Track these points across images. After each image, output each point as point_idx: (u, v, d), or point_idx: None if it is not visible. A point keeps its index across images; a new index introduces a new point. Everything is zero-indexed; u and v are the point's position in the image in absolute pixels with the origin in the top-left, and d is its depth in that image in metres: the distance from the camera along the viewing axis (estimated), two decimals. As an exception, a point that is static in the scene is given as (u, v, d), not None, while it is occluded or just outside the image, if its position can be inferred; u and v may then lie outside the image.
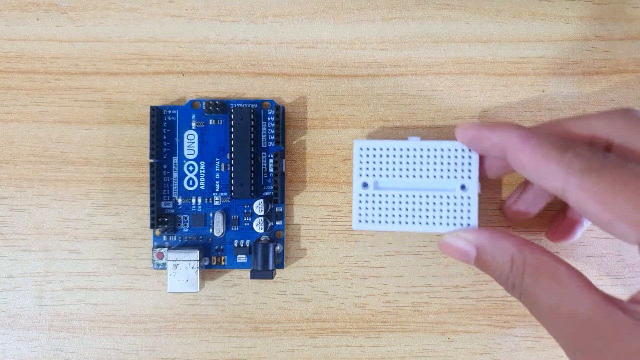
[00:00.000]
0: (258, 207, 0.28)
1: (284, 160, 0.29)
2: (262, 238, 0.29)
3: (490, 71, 0.29)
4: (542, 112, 0.29)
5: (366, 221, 0.26)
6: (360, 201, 0.26)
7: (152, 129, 0.28)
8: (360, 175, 0.26)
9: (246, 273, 0.29)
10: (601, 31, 0.29)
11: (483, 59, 0.29)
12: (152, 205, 0.28)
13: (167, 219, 0.29)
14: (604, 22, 0.29)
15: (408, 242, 0.29)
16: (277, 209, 0.29)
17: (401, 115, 0.29)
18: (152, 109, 0.28)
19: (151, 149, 0.28)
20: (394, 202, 0.26)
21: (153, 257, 0.29)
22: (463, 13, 0.29)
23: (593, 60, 0.29)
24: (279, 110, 0.28)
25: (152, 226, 0.28)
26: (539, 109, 0.29)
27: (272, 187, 0.28)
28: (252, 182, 0.28)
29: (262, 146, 0.29)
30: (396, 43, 0.30)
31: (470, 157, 0.25)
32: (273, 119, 0.29)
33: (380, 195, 0.26)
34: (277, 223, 0.29)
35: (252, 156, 0.28)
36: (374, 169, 0.26)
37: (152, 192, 0.28)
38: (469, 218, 0.25)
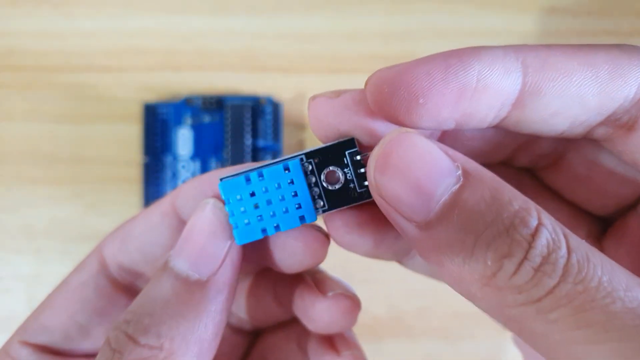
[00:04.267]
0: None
1: (282, 158, 0.29)
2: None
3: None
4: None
5: None
6: None
7: (145, 127, 0.28)
8: None
9: (243, 276, 0.29)
10: (609, 26, 0.29)
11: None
12: (145, 205, 0.28)
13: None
14: (612, 17, 0.29)
15: (411, 244, 0.29)
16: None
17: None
18: (145, 106, 0.28)
19: (144, 147, 0.28)
20: None
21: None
22: (468, 6, 0.29)
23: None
24: (277, 107, 0.28)
25: (146, 227, 0.28)
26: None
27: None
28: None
29: (260, 144, 0.29)
30: (399, 36, 0.29)
31: None
32: (270, 116, 0.28)
33: None
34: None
35: (249, 154, 0.28)
36: None
37: (145, 191, 0.28)
38: None
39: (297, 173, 0.13)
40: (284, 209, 0.13)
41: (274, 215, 0.13)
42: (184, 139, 0.29)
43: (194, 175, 0.29)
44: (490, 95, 0.11)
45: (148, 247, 0.15)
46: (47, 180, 0.29)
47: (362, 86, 0.31)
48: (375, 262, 0.29)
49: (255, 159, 0.28)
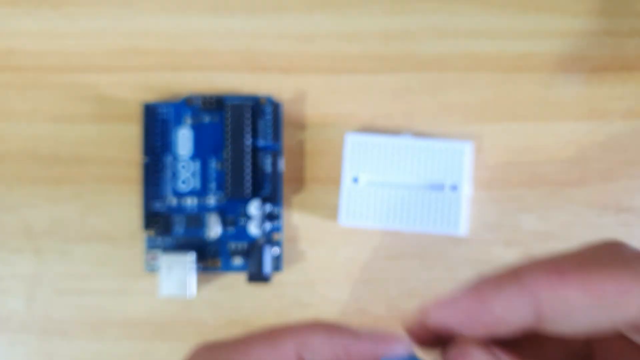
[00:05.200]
0: (255, 207, 0.28)
1: (282, 158, 0.29)
2: (259, 240, 0.28)
3: (496, 66, 0.29)
4: (550, 109, 0.29)
5: (353, 217, 0.27)
6: (349, 196, 0.27)
7: (145, 127, 0.28)
8: (351, 169, 0.27)
9: (242, 276, 0.29)
10: (609, 26, 0.29)
11: (489, 54, 0.29)
12: (145, 206, 0.28)
13: (160, 220, 0.28)
14: (612, 17, 0.29)
15: (411, 244, 0.29)
16: (274, 210, 0.29)
17: (404, 112, 0.29)
18: (145, 106, 0.28)
19: (144, 147, 0.28)
20: (382, 199, 0.26)
21: (146, 259, 0.28)
22: (468, 6, 0.29)
23: (601, 56, 0.29)
24: (277, 107, 0.28)
25: (145, 227, 0.28)
26: (547, 105, 0.29)
27: (269, 187, 0.28)
28: (249, 182, 0.28)
29: (260, 144, 0.29)
30: (399, 36, 0.29)
31: (462, 157, 0.26)
32: (270, 116, 0.28)
33: (369, 191, 0.27)
34: (274, 224, 0.29)
35: (249, 155, 0.28)
36: (365, 163, 0.27)
37: (145, 192, 0.28)
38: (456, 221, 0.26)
39: None
40: None
41: None
42: (184, 139, 0.29)
43: (194, 175, 0.29)
44: (507, 325, 0.14)
45: None
46: (47, 180, 0.29)
47: (361, 85, 0.31)
48: (375, 262, 0.29)
49: (255, 159, 0.28)
